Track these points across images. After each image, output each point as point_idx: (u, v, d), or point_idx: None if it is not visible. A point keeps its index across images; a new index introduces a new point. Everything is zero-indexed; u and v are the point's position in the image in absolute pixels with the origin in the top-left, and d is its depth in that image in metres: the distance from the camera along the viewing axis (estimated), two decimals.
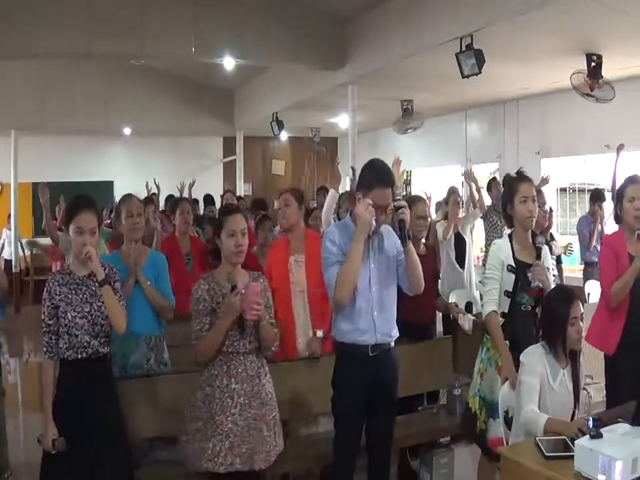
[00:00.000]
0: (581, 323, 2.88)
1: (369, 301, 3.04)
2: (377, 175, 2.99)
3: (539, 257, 3.28)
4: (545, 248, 3.38)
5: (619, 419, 2.46)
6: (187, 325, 3.00)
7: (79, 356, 2.85)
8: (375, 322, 3.05)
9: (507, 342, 3.22)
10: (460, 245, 6.39)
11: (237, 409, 2.85)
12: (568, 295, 2.96)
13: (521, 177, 3.42)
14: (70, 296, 2.86)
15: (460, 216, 6.56)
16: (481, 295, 4.42)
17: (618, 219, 3.57)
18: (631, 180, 3.52)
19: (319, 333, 3.72)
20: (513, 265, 3.25)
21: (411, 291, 3.15)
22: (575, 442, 2.31)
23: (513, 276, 3.24)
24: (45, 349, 2.86)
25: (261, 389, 2.95)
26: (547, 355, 2.89)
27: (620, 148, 5.95)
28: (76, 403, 2.81)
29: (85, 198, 2.99)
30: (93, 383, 2.87)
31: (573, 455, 2.32)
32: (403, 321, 4.34)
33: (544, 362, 2.88)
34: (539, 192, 4.76)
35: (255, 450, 2.86)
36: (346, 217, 3.24)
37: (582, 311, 2.89)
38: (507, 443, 3.00)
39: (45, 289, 2.88)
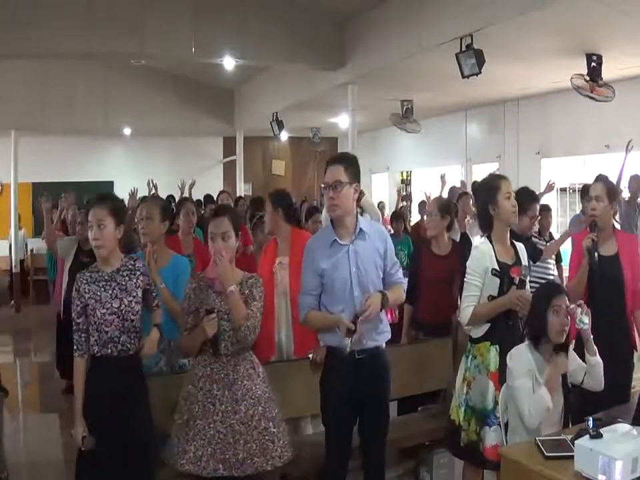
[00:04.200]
0: (578, 312, 2.85)
1: (352, 307, 2.93)
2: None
3: (517, 254, 3.24)
4: (521, 245, 3.34)
5: (619, 419, 2.46)
6: None
7: (109, 351, 2.85)
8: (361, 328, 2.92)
9: (496, 346, 3.13)
10: (466, 246, 6.35)
11: (219, 417, 2.83)
12: (552, 287, 3.02)
13: (500, 175, 3.46)
14: (99, 293, 2.86)
15: (468, 219, 6.55)
16: None
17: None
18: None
19: (322, 343, 3.71)
20: (498, 268, 3.13)
21: None
22: (575, 442, 2.31)
23: (498, 280, 3.12)
24: (75, 347, 2.86)
25: (254, 388, 2.92)
26: (531, 351, 2.88)
27: (629, 145, 5.88)
28: (105, 399, 2.82)
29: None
30: (123, 380, 2.85)
31: (572, 455, 2.32)
32: (419, 320, 4.34)
33: (529, 359, 2.87)
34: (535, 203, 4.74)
35: (252, 453, 2.83)
36: (328, 224, 3.15)
37: (567, 304, 2.85)
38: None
39: (74, 288, 2.88)
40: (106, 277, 2.90)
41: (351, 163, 3.01)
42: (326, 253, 2.98)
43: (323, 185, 3.01)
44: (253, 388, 2.91)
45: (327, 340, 3.09)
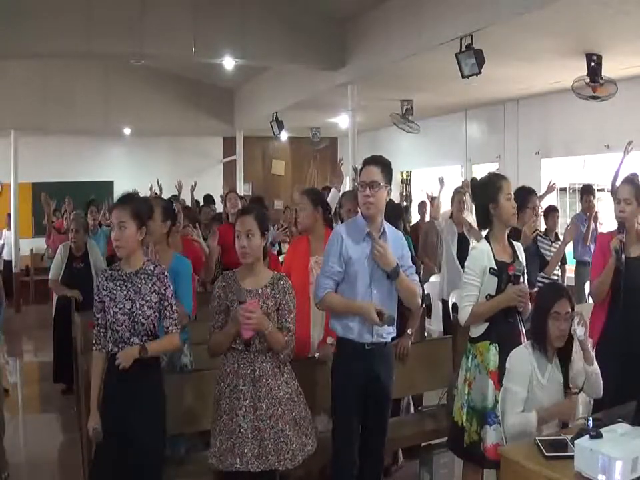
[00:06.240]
0: (574, 323, 2.81)
1: (368, 301, 3.06)
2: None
3: (515, 253, 3.25)
4: (518, 244, 3.37)
5: (619, 419, 2.46)
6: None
7: (120, 350, 2.86)
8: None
9: (496, 345, 3.13)
10: (464, 246, 6.33)
11: (242, 411, 2.88)
12: (556, 290, 2.96)
13: (501, 175, 3.45)
14: (115, 292, 2.88)
15: (465, 215, 6.55)
16: None
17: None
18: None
19: (330, 340, 3.70)
20: (495, 267, 3.15)
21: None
22: (575, 442, 2.31)
23: (496, 279, 3.14)
24: (93, 341, 2.93)
25: (277, 389, 2.94)
26: (533, 351, 2.88)
27: (629, 147, 5.86)
28: (113, 396, 2.86)
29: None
30: (132, 381, 2.86)
31: (573, 455, 2.32)
32: None
33: (530, 360, 2.86)
34: (534, 196, 4.74)
35: (267, 450, 2.87)
36: (357, 216, 3.26)
37: (568, 310, 2.83)
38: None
39: (95, 284, 2.95)
40: (124, 277, 2.92)
41: (386, 166, 3.21)
42: (357, 242, 3.10)
43: (359, 183, 3.14)
44: (276, 388, 2.95)
45: (340, 330, 3.15)
